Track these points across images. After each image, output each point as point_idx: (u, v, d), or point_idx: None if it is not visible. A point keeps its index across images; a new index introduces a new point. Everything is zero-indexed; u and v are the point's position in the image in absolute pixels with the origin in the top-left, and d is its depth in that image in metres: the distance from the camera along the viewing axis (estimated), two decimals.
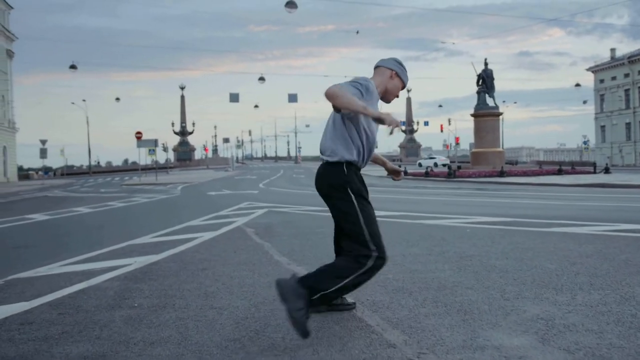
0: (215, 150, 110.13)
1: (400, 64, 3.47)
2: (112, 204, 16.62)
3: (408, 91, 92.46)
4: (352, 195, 3.21)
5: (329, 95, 2.98)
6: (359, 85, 3.13)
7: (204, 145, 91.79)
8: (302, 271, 5.05)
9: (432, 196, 17.05)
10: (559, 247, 6.06)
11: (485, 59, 37.22)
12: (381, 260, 3.19)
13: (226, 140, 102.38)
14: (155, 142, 40.91)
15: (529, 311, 3.51)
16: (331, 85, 3.05)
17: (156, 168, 43.18)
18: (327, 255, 5.79)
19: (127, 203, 17.10)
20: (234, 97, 43.82)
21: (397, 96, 3.48)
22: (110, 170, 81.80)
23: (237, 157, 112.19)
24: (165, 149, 68.70)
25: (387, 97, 3.45)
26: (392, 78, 3.42)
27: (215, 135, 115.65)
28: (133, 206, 15.87)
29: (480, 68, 37.40)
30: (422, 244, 6.59)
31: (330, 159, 3.25)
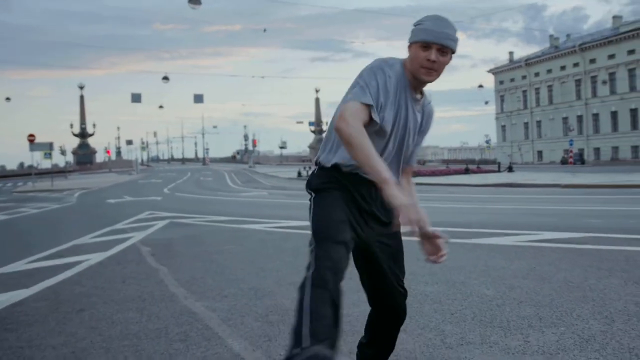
0: (118, 153, 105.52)
1: (420, 22, 2.18)
2: None
3: (316, 91, 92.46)
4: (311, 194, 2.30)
5: (343, 140, 2.01)
6: (361, 81, 2.11)
7: (106, 148, 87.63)
8: (200, 308, 4.21)
9: None
10: (490, 265, 5.52)
11: None
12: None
13: (129, 142, 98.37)
14: (50, 146, 38.14)
15: None
16: (342, 105, 2.07)
17: (52, 173, 40.35)
18: (233, 283, 4.97)
19: (11, 215, 15.36)
20: (136, 98, 41.76)
21: (430, 69, 2.12)
22: (3, 175, 76.27)
23: (142, 160, 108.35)
24: (63, 152, 64.67)
25: (417, 77, 2.17)
26: (410, 49, 2.18)
27: (119, 137, 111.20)
28: (17, 220, 14.24)
29: None
30: None
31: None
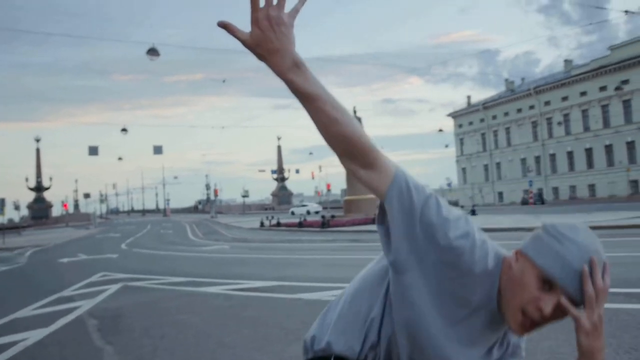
0: (76, 206, 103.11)
1: (561, 232, 1.19)
2: None
3: (278, 139, 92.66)
4: None
5: None
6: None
7: (63, 201, 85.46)
8: None
9: (308, 253, 16.03)
10: None
11: (354, 108, 37.79)
12: None
13: (87, 196, 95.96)
14: (2, 202, 36.77)
15: None
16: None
17: (4, 229, 38.83)
18: None
19: None
20: (93, 150, 40.85)
21: (530, 322, 1.20)
22: None
23: (100, 212, 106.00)
24: (17, 207, 62.58)
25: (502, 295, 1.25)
26: (517, 261, 1.24)
27: (77, 190, 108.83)
28: None
29: None
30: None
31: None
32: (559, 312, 1.17)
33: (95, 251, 22.14)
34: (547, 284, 1.17)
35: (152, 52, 24.05)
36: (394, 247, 1.24)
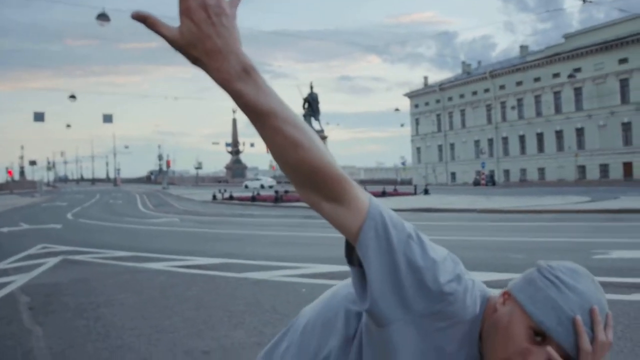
0: (22, 173, 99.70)
1: (557, 276, 0.99)
2: None
3: (234, 112, 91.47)
4: None
5: None
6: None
7: (7, 168, 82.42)
8: None
9: (260, 229, 15.75)
10: None
11: (311, 83, 37.42)
12: None
13: (33, 163, 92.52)
14: None
15: None
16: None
17: None
18: (116, 353, 4.15)
19: None
20: (39, 116, 39.23)
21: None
22: None
23: (48, 180, 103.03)
24: None
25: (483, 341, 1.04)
26: (504, 304, 1.04)
27: (22, 157, 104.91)
28: None
29: (306, 91, 37.46)
30: (249, 322, 5.13)
31: None
32: None
33: (38, 220, 21.33)
34: (540, 335, 0.96)
35: (102, 17, 22.98)
36: (374, 296, 0.95)
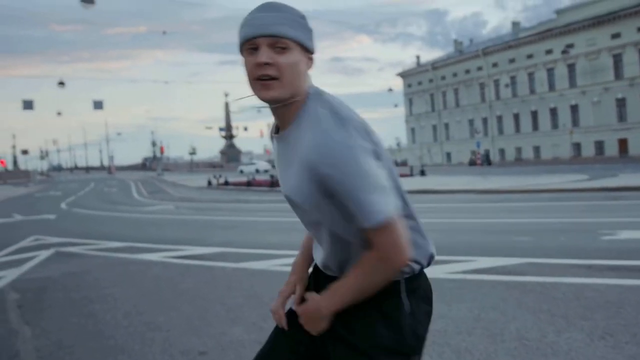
0: (15, 163, 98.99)
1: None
2: None
3: (226, 95, 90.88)
4: None
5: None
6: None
7: None
8: None
9: (256, 215, 15.54)
10: None
11: None
12: None
13: (25, 152, 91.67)
14: None
15: None
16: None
17: None
18: (109, 354, 3.92)
19: None
20: (28, 105, 38.72)
21: (264, 79, 1.38)
22: None
23: (41, 170, 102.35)
24: None
25: (259, 99, 1.44)
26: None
27: (15, 146, 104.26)
28: None
29: None
30: (248, 317, 4.89)
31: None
32: (276, 55, 1.38)
33: (32, 211, 21.06)
34: (252, 48, 1.40)
35: (87, 0, 22.57)
36: None
